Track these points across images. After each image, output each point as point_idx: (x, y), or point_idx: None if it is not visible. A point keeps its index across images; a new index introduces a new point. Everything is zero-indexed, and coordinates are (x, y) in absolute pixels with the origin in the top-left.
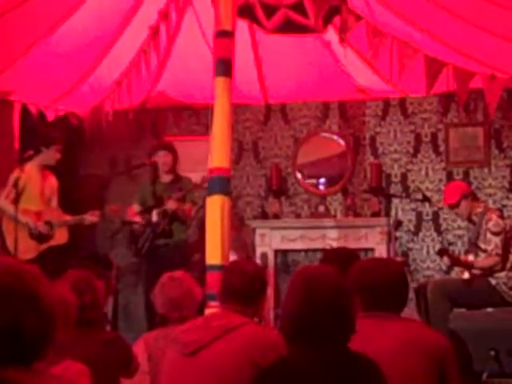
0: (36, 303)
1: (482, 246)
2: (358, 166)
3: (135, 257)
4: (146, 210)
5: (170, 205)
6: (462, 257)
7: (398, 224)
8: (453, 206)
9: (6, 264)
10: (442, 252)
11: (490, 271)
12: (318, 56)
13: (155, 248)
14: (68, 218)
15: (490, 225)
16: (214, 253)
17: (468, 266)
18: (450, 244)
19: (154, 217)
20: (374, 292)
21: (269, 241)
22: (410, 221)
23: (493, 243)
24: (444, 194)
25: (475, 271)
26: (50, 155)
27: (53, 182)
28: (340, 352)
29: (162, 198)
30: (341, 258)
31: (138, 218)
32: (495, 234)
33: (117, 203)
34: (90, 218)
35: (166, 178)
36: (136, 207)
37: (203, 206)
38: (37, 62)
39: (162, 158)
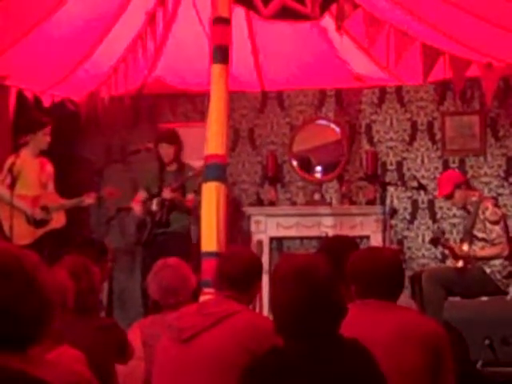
0: (34, 287)
1: (479, 235)
2: (354, 153)
3: (136, 245)
4: (149, 199)
5: (166, 194)
6: (457, 245)
7: (394, 212)
8: (447, 197)
9: (4, 248)
10: (434, 241)
11: (494, 259)
12: (314, 43)
13: (154, 237)
14: (64, 201)
15: (487, 214)
16: (210, 240)
17: (463, 257)
18: (443, 233)
19: (154, 206)
20: (370, 280)
21: (264, 228)
22: (405, 209)
23: (494, 232)
24: (438, 186)
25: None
26: (40, 140)
27: (49, 167)
28: (333, 342)
29: (161, 187)
30: (339, 246)
31: (140, 206)
32: (494, 222)
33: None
34: (87, 200)
35: (171, 167)
36: (143, 194)
37: (199, 193)
38: (33, 47)
39: (164, 150)
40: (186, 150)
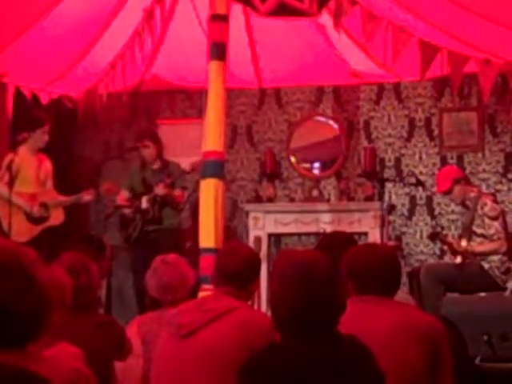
0: (32, 285)
1: (478, 230)
2: (352, 150)
3: (125, 243)
4: (135, 197)
5: (159, 191)
6: (456, 241)
7: (392, 208)
8: (446, 193)
9: (3, 246)
10: (433, 236)
11: (493, 254)
12: (312, 40)
13: (145, 234)
14: (63, 198)
15: (486, 210)
16: (208, 236)
17: (462, 252)
18: (443, 228)
19: (144, 203)
20: (367, 276)
21: (262, 224)
22: (403, 205)
23: (493, 228)
24: (436, 182)
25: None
26: (38, 138)
27: (47, 164)
28: (332, 338)
29: (151, 185)
30: (337, 242)
31: (129, 204)
32: (493, 218)
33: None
34: (86, 197)
35: (154, 165)
36: (125, 193)
37: (195, 191)
38: (31, 45)
39: (146, 151)
40: (183, 146)
